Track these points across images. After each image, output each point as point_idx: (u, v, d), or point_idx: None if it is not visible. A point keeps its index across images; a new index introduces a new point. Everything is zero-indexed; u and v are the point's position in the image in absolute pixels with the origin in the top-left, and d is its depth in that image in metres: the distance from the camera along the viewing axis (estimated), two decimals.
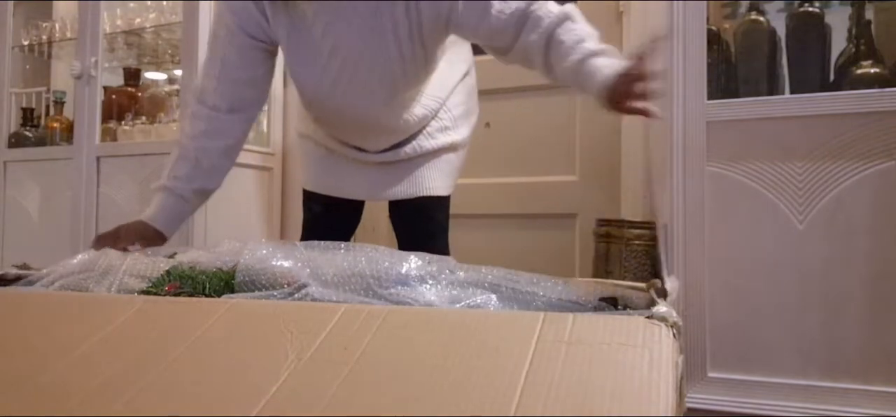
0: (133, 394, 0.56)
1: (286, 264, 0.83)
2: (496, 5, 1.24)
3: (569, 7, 1.24)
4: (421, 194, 1.52)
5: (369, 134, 1.49)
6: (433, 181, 1.54)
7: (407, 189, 1.53)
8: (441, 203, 1.58)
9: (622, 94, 1.10)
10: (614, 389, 0.49)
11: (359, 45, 1.30)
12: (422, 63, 1.36)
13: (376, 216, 2.34)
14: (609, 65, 1.14)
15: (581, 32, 1.20)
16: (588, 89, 1.17)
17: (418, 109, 1.48)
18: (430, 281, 0.78)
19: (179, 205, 1.36)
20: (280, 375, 0.54)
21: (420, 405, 0.49)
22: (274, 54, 1.40)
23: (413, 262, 0.81)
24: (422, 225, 1.56)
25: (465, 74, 1.62)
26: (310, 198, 1.62)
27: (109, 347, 0.64)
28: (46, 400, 0.58)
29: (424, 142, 1.52)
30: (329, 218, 1.60)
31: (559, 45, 1.20)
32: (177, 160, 1.36)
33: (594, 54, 1.17)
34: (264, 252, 0.87)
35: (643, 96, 1.09)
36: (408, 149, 1.51)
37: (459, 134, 1.58)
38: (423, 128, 1.52)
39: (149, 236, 1.30)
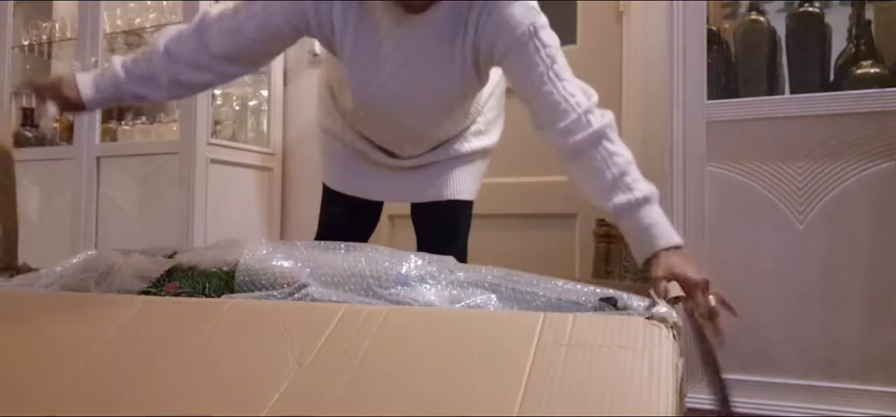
0: (136, 405, 0.56)
1: (286, 264, 0.83)
2: (549, 76, 1.19)
3: (609, 117, 1.18)
4: (450, 198, 1.52)
5: (408, 143, 1.50)
6: (463, 184, 1.54)
7: (437, 192, 1.52)
8: (466, 207, 1.58)
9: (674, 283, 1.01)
10: (615, 393, 0.49)
11: (426, 68, 1.30)
12: (477, 86, 1.39)
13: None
14: (661, 235, 1.06)
15: (620, 167, 1.11)
16: (626, 235, 1.11)
17: (460, 118, 1.50)
18: (430, 281, 0.78)
19: (114, 87, 1.32)
20: (281, 382, 0.54)
21: (421, 410, 0.49)
22: (295, 41, 1.36)
23: (413, 262, 0.81)
24: (446, 228, 1.56)
25: (500, 78, 1.62)
26: (331, 198, 1.60)
27: (111, 354, 0.64)
28: (49, 406, 0.58)
29: (459, 147, 1.52)
30: (349, 219, 1.60)
31: (591, 165, 1.13)
32: (140, 56, 1.32)
33: (641, 203, 1.09)
34: (264, 252, 0.87)
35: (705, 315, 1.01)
36: (440, 153, 1.52)
37: (491, 138, 1.60)
38: (461, 132, 1.53)
39: (69, 101, 1.29)
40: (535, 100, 1.22)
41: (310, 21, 1.29)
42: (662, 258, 1.04)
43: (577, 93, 1.19)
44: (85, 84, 1.30)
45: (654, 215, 1.08)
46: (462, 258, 1.34)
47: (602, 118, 1.17)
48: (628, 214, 1.09)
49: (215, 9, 1.33)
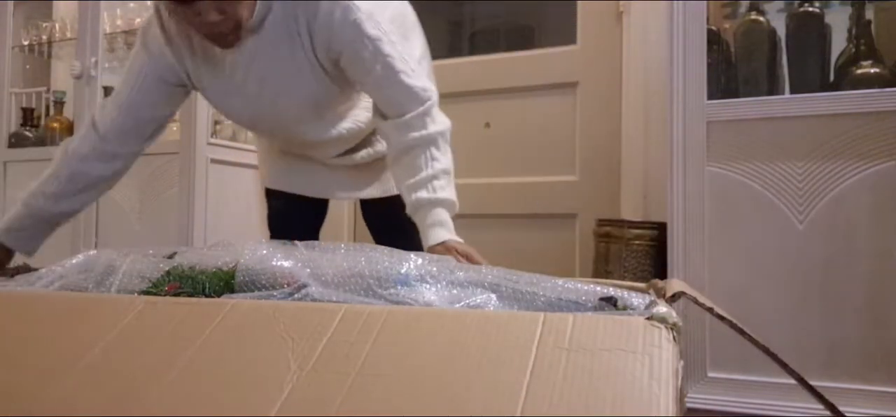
0: (136, 407, 0.56)
1: (286, 264, 0.83)
2: (378, 71, 1.23)
3: (446, 124, 1.26)
4: (391, 193, 1.52)
5: (307, 147, 1.49)
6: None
7: (378, 189, 1.55)
8: None
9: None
10: (615, 395, 0.49)
11: (281, 80, 1.29)
12: (340, 85, 1.35)
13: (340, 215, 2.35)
14: (443, 235, 1.18)
15: (438, 169, 1.22)
16: (419, 225, 1.22)
17: (348, 124, 1.46)
18: (430, 281, 0.78)
19: (39, 224, 1.37)
20: (283, 389, 0.54)
21: (423, 412, 0.49)
22: (187, 93, 1.40)
23: (413, 262, 0.81)
24: (395, 223, 1.56)
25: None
26: (271, 194, 1.62)
27: (112, 359, 0.64)
28: (49, 408, 0.58)
29: (379, 147, 1.52)
30: (293, 215, 1.60)
31: (411, 169, 1.23)
32: (48, 177, 1.36)
33: (430, 205, 1.20)
34: (264, 252, 0.86)
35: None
36: (364, 154, 1.52)
37: None
38: (374, 134, 1.53)
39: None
40: (376, 95, 1.28)
41: (174, 68, 1.31)
42: (448, 245, 1.16)
43: (415, 90, 1.24)
44: (7, 236, 1.34)
45: (446, 216, 1.20)
46: None
47: (440, 125, 1.25)
48: (426, 208, 1.20)
49: (101, 103, 1.36)
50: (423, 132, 1.22)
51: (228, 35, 1.20)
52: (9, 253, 1.35)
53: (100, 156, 1.36)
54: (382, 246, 0.88)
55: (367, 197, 1.56)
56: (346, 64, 1.26)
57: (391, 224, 1.55)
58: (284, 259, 0.84)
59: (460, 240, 1.18)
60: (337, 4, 1.21)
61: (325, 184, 1.55)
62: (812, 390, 0.80)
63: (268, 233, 1.61)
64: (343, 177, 1.54)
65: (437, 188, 1.21)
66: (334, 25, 1.22)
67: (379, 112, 1.30)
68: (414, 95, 1.24)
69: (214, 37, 1.21)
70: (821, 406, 1.48)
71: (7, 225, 1.35)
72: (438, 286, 0.79)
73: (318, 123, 1.40)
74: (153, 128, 1.39)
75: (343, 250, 0.86)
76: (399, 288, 0.77)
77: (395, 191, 1.48)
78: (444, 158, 1.24)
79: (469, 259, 1.10)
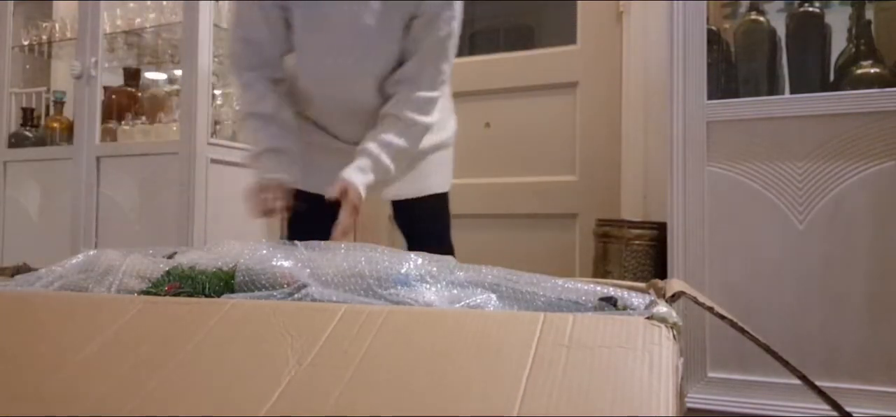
0: (135, 403, 0.56)
1: (286, 264, 0.83)
2: (434, 52, 1.40)
3: (430, 120, 1.42)
4: (423, 193, 1.54)
5: (355, 121, 1.51)
6: (432, 178, 1.56)
7: (408, 188, 1.54)
8: (442, 200, 1.60)
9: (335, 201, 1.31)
10: (615, 394, 0.49)
11: (372, 34, 1.40)
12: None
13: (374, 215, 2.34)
14: (355, 175, 1.34)
15: (397, 144, 1.38)
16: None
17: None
18: (430, 281, 0.78)
19: (288, 158, 1.45)
20: (281, 381, 0.54)
21: (421, 411, 0.49)
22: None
23: (413, 262, 0.81)
24: (428, 225, 1.58)
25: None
26: (293, 195, 1.62)
27: (111, 353, 0.64)
28: (50, 406, 0.58)
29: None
30: (314, 217, 1.60)
31: (381, 127, 1.39)
32: (257, 130, 1.45)
33: (369, 156, 1.37)
34: (264, 252, 0.87)
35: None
36: None
37: (441, 135, 1.60)
38: None
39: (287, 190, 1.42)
40: (410, 66, 1.40)
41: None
42: (347, 183, 1.33)
43: (431, 98, 1.41)
44: (279, 171, 1.43)
45: (368, 166, 1.36)
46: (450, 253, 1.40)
47: (427, 122, 1.41)
48: (363, 153, 1.37)
49: (231, 64, 1.49)
50: (415, 116, 1.39)
51: None
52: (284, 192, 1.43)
53: (270, 84, 1.47)
54: (382, 247, 0.88)
55: (396, 197, 1.55)
56: (417, 29, 1.38)
57: (424, 226, 1.58)
58: (284, 259, 0.84)
59: (360, 191, 1.31)
60: None
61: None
62: (813, 386, 0.80)
63: (287, 235, 1.61)
64: None
65: (383, 148, 1.36)
66: None
67: (394, 78, 1.41)
68: (433, 90, 1.41)
69: None
70: (819, 406, 1.48)
71: (274, 167, 1.42)
72: (438, 286, 0.79)
73: (376, 93, 1.46)
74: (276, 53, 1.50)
75: (343, 250, 0.86)
76: (399, 288, 0.77)
77: (426, 191, 1.55)
78: (409, 144, 1.40)
79: (353, 209, 1.29)
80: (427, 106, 1.40)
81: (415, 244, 1.58)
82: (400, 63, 1.43)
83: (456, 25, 1.38)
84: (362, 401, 0.51)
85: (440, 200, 1.60)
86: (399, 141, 1.38)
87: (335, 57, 1.42)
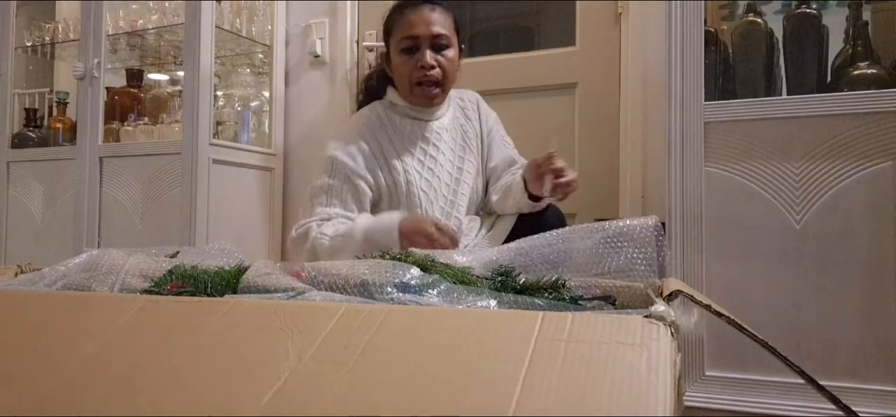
0: (136, 401, 0.56)
1: (288, 276, 0.84)
2: (508, 141, 1.78)
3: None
4: None
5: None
6: None
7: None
8: None
9: (535, 174, 1.47)
10: (612, 389, 0.49)
11: (464, 153, 1.68)
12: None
13: None
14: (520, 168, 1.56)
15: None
16: (514, 193, 1.58)
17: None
18: (433, 290, 0.79)
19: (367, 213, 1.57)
20: (281, 375, 0.55)
21: (420, 405, 0.50)
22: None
23: (415, 271, 0.82)
24: None
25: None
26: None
27: (112, 349, 0.65)
28: (51, 403, 0.58)
29: None
30: None
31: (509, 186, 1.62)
32: (336, 226, 1.54)
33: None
34: (267, 270, 0.87)
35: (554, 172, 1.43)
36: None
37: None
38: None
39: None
40: (501, 166, 1.71)
41: (370, 148, 1.56)
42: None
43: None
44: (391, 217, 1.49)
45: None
46: None
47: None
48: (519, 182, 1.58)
49: (320, 214, 1.58)
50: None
51: (435, 88, 1.57)
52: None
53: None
54: (382, 260, 0.88)
55: None
56: (491, 141, 1.71)
57: None
58: (286, 272, 0.85)
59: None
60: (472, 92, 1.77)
61: None
62: (813, 382, 0.80)
63: None
64: None
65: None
66: (484, 106, 1.74)
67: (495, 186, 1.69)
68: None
69: (425, 85, 1.56)
70: (818, 404, 1.49)
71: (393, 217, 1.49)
72: (440, 288, 0.79)
73: (463, 214, 1.64)
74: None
75: (347, 264, 0.86)
76: (401, 294, 0.77)
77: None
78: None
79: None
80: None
81: None
82: None
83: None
84: (361, 397, 0.51)
85: None
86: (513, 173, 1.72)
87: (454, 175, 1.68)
